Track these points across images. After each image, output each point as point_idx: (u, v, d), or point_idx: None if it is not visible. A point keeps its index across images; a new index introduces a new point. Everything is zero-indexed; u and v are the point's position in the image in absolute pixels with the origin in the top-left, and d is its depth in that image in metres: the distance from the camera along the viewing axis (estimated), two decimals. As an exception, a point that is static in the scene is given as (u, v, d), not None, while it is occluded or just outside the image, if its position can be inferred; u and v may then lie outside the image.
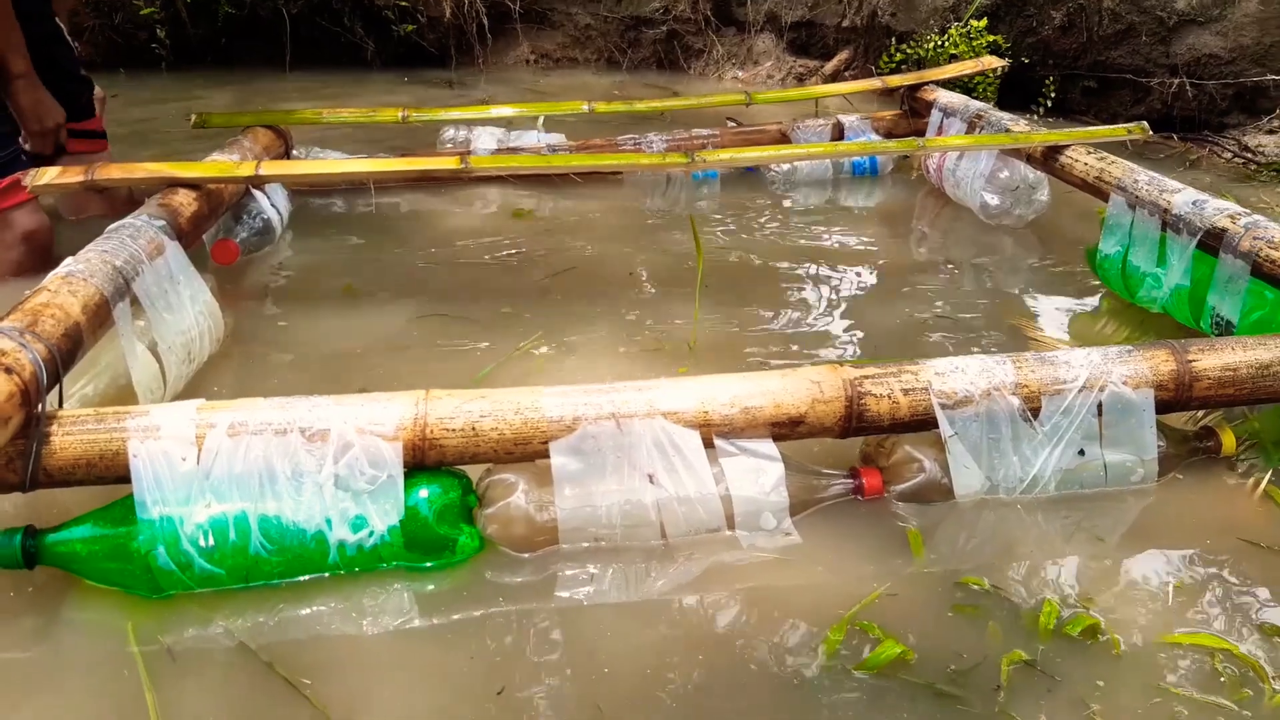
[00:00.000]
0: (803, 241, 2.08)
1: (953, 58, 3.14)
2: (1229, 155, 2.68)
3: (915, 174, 2.51)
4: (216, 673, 0.90)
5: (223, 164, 1.71)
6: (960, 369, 1.13)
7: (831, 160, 2.45)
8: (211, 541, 0.95)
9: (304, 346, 1.57)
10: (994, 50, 3.13)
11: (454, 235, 2.08)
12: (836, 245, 2.06)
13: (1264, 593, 1.02)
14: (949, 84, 2.57)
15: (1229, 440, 1.22)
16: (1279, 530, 1.12)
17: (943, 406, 1.11)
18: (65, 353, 1.09)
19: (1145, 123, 1.96)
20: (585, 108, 2.32)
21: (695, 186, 2.43)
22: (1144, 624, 0.97)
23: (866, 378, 1.11)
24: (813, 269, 1.92)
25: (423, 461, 1.02)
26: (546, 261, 1.93)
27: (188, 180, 1.61)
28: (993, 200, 2.11)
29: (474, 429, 1.02)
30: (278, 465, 0.97)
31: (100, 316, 1.20)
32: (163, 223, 1.44)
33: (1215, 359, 1.18)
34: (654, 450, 1.04)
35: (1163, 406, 1.17)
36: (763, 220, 2.21)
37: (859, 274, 1.90)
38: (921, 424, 1.12)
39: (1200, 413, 1.31)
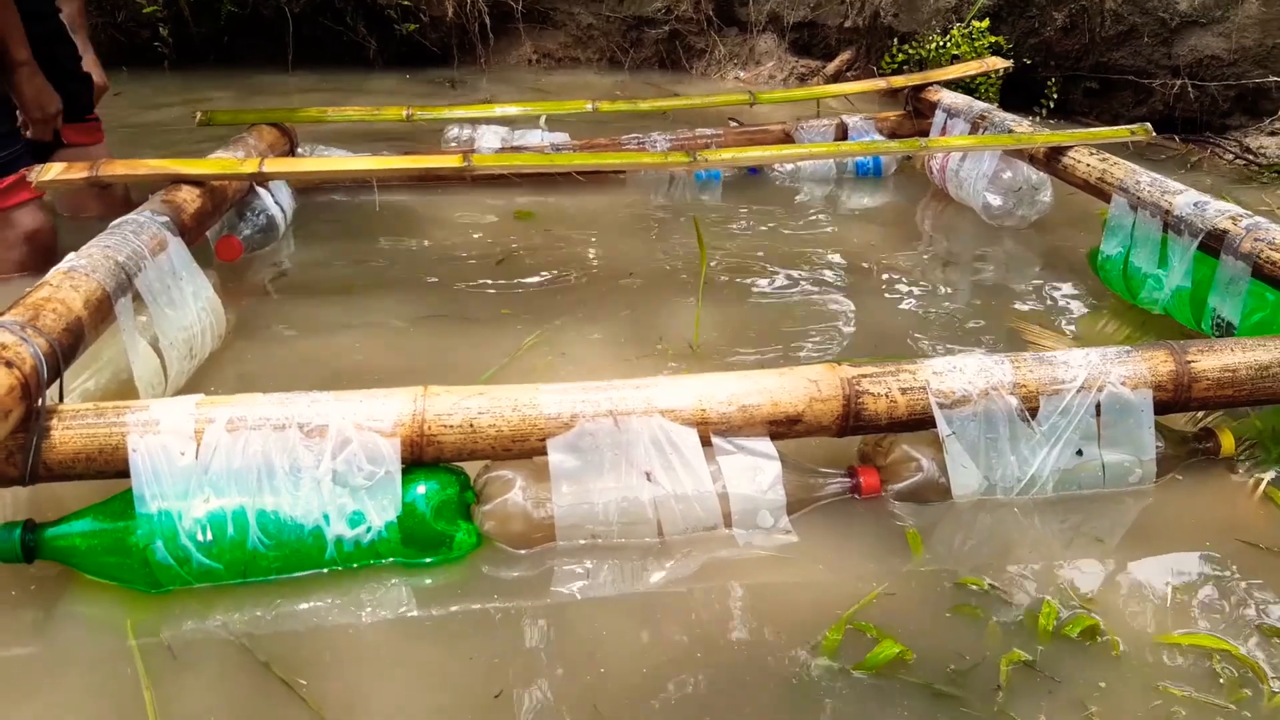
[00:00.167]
0: (805, 241, 2.08)
1: (954, 58, 3.14)
2: (1230, 157, 2.68)
3: (918, 173, 2.51)
4: (214, 670, 0.90)
5: (227, 161, 1.71)
6: (958, 368, 1.13)
7: (835, 160, 2.45)
8: (210, 536, 0.95)
9: (305, 343, 1.57)
10: (995, 51, 3.13)
11: (457, 234, 2.09)
12: (839, 245, 2.06)
13: (1263, 594, 1.02)
14: (952, 85, 2.57)
15: (1228, 441, 1.22)
16: (1278, 532, 1.12)
17: (940, 406, 1.11)
18: (66, 347, 1.09)
19: (1148, 124, 1.96)
20: (589, 107, 2.33)
21: (698, 187, 2.43)
22: (1143, 625, 0.97)
23: (864, 377, 1.11)
24: (814, 269, 1.92)
25: (421, 458, 1.02)
26: (548, 261, 1.93)
27: (192, 177, 1.62)
28: (995, 201, 2.11)
29: (472, 426, 1.02)
30: (276, 460, 0.97)
31: (102, 312, 1.20)
32: (166, 219, 1.44)
33: (1214, 360, 1.18)
34: (651, 448, 1.04)
35: (1161, 407, 1.17)
36: (765, 220, 2.21)
37: (860, 274, 1.90)
38: (919, 423, 1.12)
39: (1201, 414, 1.31)
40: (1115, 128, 1.98)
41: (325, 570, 1.01)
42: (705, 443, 1.07)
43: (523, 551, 1.04)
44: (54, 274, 1.19)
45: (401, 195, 2.32)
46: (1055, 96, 3.10)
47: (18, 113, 1.75)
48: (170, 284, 1.37)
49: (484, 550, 1.05)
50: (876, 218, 2.27)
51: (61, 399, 1.11)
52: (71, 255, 1.25)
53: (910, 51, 3.34)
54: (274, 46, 3.94)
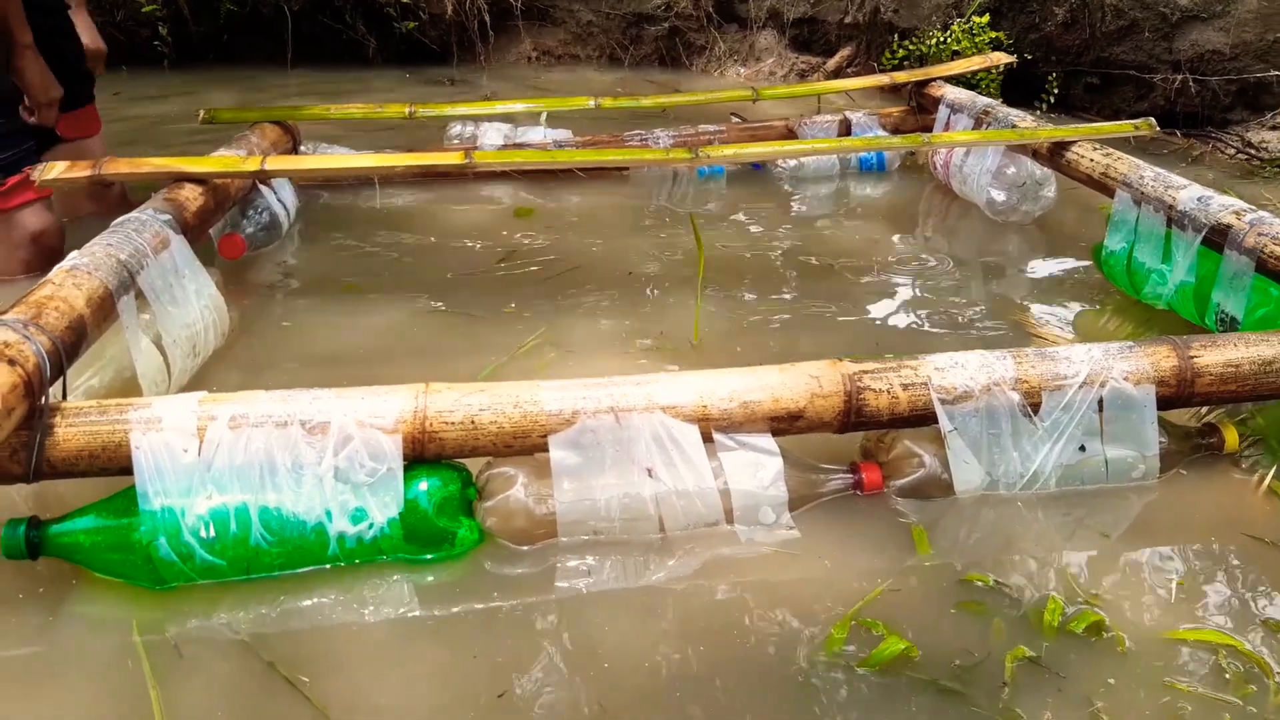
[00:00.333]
0: (808, 237, 2.08)
1: (955, 54, 3.14)
2: (1232, 151, 2.67)
3: (922, 169, 2.51)
4: (219, 667, 0.90)
5: (229, 159, 1.71)
6: (960, 364, 1.13)
7: (839, 156, 2.44)
8: (212, 533, 0.95)
9: (308, 341, 1.57)
10: (996, 46, 3.12)
11: (459, 232, 2.08)
12: (842, 241, 2.06)
13: (1269, 588, 1.02)
14: (953, 80, 2.56)
15: (1232, 437, 1.21)
16: (1283, 526, 1.12)
17: (942, 402, 1.10)
18: (69, 345, 1.09)
19: (1152, 119, 1.96)
20: (591, 103, 2.32)
21: (701, 183, 2.42)
22: (1148, 620, 0.97)
23: (866, 373, 1.11)
24: (816, 264, 1.92)
25: (422, 454, 1.02)
26: (550, 258, 1.93)
27: (194, 175, 1.62)
28: (999, 196, 2.11)
29: (473, 422, 1.02)
30: (278, 457, 0.97)
31: (105, 310, 1.20)
32: (168, 217, 1.44)
33: (1217, 355, 1.18)
34: (653, 444, 1.04)
35: (1164, 403, 1.16)
36: (768, 216, 2.21)
37: (863, 269, 1.89)
38: (921, 419, 1.12)
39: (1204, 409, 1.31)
40: (1119, 123, 1.97)
41: (328, 566, 1.01)
42: (707, 439, 1.07)
43: (525, 548, 1.04)
44: (57, 272, 1.19)
45: (404, 192, 2.32)
46: (1056, 91, 3.10)
47: (24, 103, 1.75)
48: (173, 282, 1.37)
49: (486, 546, 1.05)
50: (880, 213, 2.27)
51: (65, 396, 1.11)
52: (74, 253, 1.25)
53: (910, 47, 3.34)
54: (273, 45, 3.93)
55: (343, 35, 3.98)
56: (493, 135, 2.45)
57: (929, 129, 2.42)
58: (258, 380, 1.39)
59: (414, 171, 2.19)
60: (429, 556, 1.03)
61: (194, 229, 1.53)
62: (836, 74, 3.65)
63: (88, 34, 2.07)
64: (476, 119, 2.50)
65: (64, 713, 0.86)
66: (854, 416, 1.10)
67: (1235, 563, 1.06)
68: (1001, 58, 2.62)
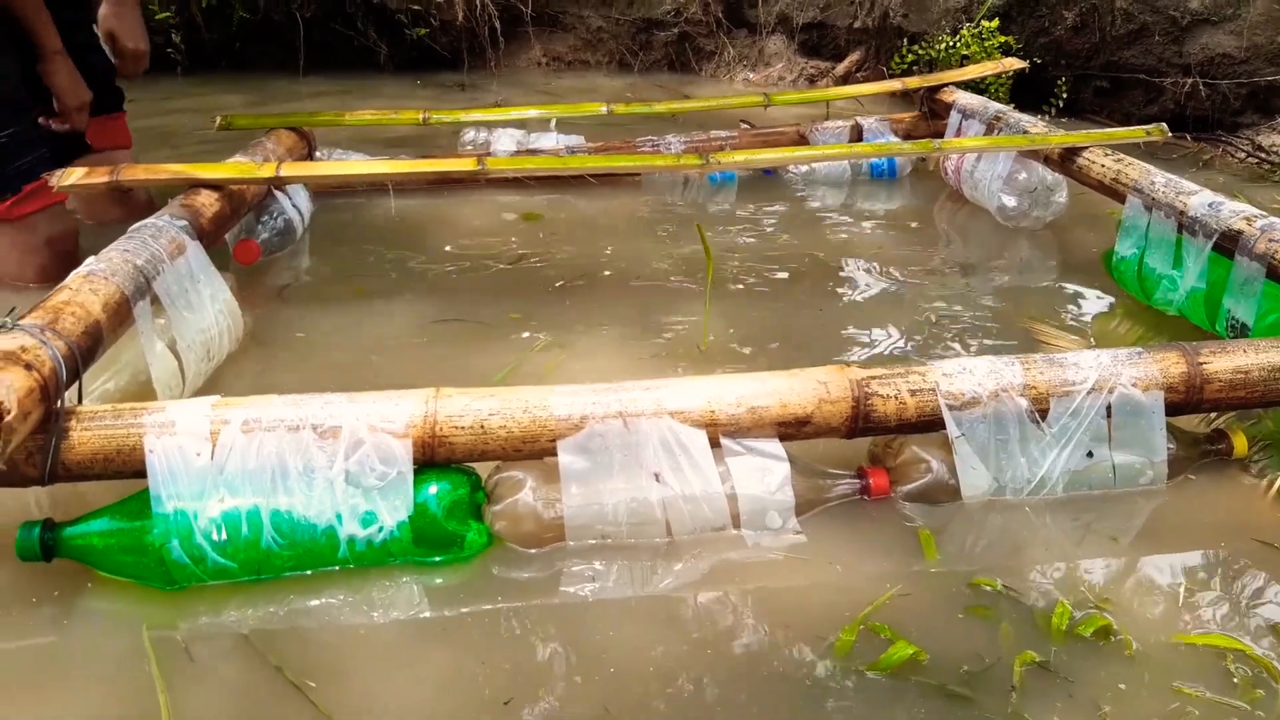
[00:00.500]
0: (818, 243, 2.08)
1: (964, 59, 3.13)
2: (1243, 155, 2.66)
3: (933, 174, 2.51)
4: (227, 670, 0.91)
5: (245, 165, 1.73)
6: (968, 370, 1.13)
7: (850, 162, 2.44)
8: (224, 535, 0.97)
9: (320, 345, 1.58)
10: (1005, 51, 3.12)
11: (470, 238, 2.10)
12: (852, 247, 2.06)
13: (1278, 594, 1.02)
14: (962, 85, 2.56)
15: (1241, 442, 1.21)
16: (1293, 532, 1.11)
17: (950, 408, 1.11)
18: (85, 350, 1.11)
19: (1164, 124, 1.95)
20: (603, 109, 2.33)
21: (712, 189, 2.43)
22: (1157, 625, 0.97)
23: (874, 378, 1.11)
24: (827, 270, 1.92)
25: (432, 458, 1.03)
26: (560, 264, 1.94)
27: (210, 181, 1.64)
28: (1010, 202, 2.10)
29: (483, 427, 1.03)
30: (290, 461, 0.98)
31: (121, 314, 1.22)
32: (184, 223, 1.46)
33: (1227, 361, 1.17)
34: (660, 449, 1.04)
35: (1173, 409, 1.16)
36: (779, 221, 2.21)
37: (873, 275, 1.90)
38: (929, 425, 1.12)
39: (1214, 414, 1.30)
40: (1131, 128, 1.97)
41: (337, 569, 1.01)
42: (714, 444, 1.07)
43: (533, 551, 1.05)
44: (73, 278, 1.21)
45: (418, 198, 2.33)
46: (1065, 96, 3.09)
47: (51, 109, 1.77)
48: (188, 287, 1.39)
49: (494, 550, 1.06)
50: (891, 219, 2.27)
51: (81, 400, 1.13)
52: (90, 259, 1.27)
53: (920, 52, 3.34)
54: (285, 52, 3.96)
55: (354, 42, 4.01)
56: (506, 141, 2.46)
57: (940, 134, 2.42)
58: (270, 384, 1.40)
59: (428, 178, 2.21)
60: (438, 560, 1.03)
61: (210, 234, 1.55)
62: (846, 79, 3.65)
63: (133, 34, 1.97)
64: (490, 125, 2.52)
65: (73, 713, 0.87)
66: (862, 422, 1.11)
67: (1244, 567, 1.06)
68: (1014, 63, 2.61)
